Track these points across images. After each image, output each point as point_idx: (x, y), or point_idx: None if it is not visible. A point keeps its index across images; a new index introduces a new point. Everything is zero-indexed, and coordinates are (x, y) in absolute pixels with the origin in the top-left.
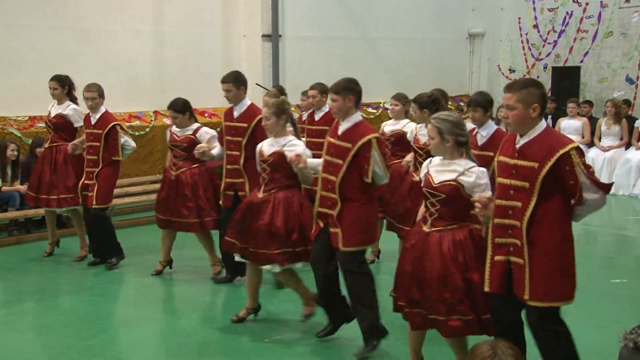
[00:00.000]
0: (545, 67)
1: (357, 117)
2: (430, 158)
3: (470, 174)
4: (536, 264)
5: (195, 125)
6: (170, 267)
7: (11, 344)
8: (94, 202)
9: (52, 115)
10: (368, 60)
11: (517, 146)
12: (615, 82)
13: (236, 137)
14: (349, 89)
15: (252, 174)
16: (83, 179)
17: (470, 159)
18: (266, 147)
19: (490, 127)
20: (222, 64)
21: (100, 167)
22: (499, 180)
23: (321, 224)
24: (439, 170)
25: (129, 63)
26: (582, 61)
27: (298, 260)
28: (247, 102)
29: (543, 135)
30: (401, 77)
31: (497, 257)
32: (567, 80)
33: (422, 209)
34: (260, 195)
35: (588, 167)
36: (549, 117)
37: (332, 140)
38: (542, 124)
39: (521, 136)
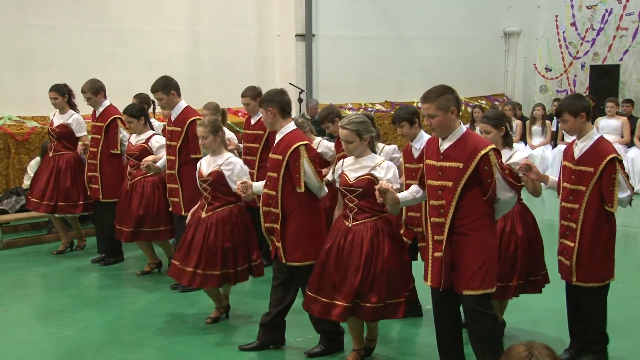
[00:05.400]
0: (582, 66)
1: (288, 127)
2: (342, 160)
3: (380, 169)
4: (465, 257)
5: (149, 133)
6: (159, 271)
7: (50, 340)
8: (101, 196)
9: (56, 124)
10: (402, 60)
11: (442, 150)
12: None
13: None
14: (270, 101)
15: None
16: (86, 171)
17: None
18: (204, 166)
19: (423, 139)
20: (256, 63)
21: (99, 160)
22: (428, 182)
23: (276, 242)
24: (352, 169)
25: (164, 63)
26: (621, 59)
27: (238, 280)
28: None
29: (464, 137)
30: (435, 76)
31: (436, 254)
32: (605, 79)
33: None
34: (204, 214)
35: (504, 168)
36: None
37: (270, 154)
38: (462, 128)
39: (443, 139)
